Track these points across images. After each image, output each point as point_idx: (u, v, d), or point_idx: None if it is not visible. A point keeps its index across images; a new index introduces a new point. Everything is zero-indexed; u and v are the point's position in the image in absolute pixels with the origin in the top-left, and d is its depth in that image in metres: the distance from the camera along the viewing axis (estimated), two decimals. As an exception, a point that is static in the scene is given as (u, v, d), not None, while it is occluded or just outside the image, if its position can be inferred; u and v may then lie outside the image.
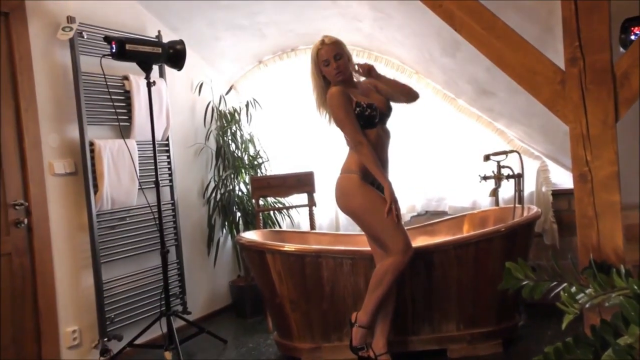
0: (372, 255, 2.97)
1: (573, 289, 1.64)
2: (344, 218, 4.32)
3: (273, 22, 4.06)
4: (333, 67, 2.74)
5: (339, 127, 2.79)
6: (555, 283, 1.74)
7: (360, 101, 2.74)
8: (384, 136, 2.82)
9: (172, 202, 3.90)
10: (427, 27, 3.46)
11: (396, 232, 2.70)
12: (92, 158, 3.33)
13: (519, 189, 3.61)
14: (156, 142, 3.28)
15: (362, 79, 2.87)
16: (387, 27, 3.83)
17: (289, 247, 3.18)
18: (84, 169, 3.30)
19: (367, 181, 2.77)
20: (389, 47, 4.14)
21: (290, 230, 4.06)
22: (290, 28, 4.17)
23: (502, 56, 2.13)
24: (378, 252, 2.88)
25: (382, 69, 4.24)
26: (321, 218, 4.39)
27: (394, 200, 2.70)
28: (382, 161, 2.79)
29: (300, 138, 4.52)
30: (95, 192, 3.33)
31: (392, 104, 2.90)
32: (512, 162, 3.65)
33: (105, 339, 3.34)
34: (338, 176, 2.85)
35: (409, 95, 2.85)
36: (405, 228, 2.89)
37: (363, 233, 2.95)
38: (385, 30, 3.90)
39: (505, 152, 3.60)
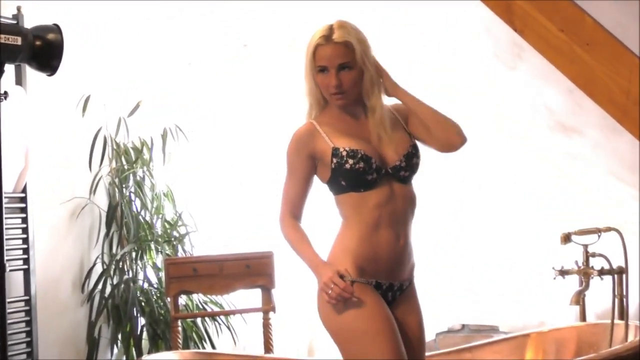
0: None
1: None
2: (325, 334, 4.24)
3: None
4: (332, 83, 2.73)
5: None
6: None
7: (338, 147, 2.74)
8: (395, 204, 2.77)
9: (26, 298, 3.81)
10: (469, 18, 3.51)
11: None
12: None
13: (620, 292, 3.58)
14: (4, 195, 3.21)
15: (387, 99, 2.86)
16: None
17: (226, 384, 3.11)
18: None
19: (368, 279, 2.73)
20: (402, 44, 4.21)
21: (230, 353, 3.95)
22: (242, 9, 4.21)
23: (592, 74, 2.14)
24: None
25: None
26: (285, 333, 4.31)
27: (326, 279, 2.64)
28: (393, 252, 2.74)
29: (253, 193, 4.48)
30: None
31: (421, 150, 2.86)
32: (608, 247, 3.63)
33: None
34: None
35: (446, 130, 2.83)
36: (429, 354, 2.81)
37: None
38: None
39: (597, 231, 3.57)
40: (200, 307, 4.38)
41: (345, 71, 2.73)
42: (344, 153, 2.72)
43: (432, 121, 2.78)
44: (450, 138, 2.80)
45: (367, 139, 2.80)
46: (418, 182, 2.81)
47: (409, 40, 4.22)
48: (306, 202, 2.85)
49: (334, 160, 2.73)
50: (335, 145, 2.74)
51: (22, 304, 3.80)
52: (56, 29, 3.35)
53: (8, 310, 3.24)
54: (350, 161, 2.71)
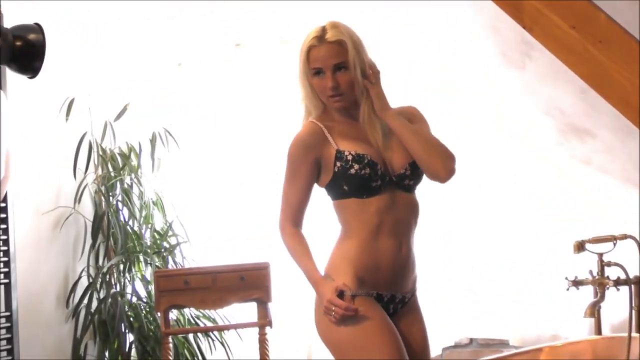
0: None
1: None
2: (324, 350, 4.24)
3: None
4: (328, 85, 2.73)
5: None
6: None
7: (342, 150, 2.73)
8: (397, 212, 2.78)
9: (7, 314, 3.75)
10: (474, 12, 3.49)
11: None
12: None
13: (637, 304, 3.53)
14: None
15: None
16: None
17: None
18: None
19: (368, 291, 2.74)
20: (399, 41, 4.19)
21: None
22: (242, 9, 4.25)
23: (605, 74, 2.13)
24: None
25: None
26: (282, 349, 4.31)
27: (326, 303, 2.67)
28: (395, 261, 2.75)
29: (249, 199, 4.48)
30: None
31: None
32: (624, 256, 3.61)
33: None
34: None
35: (433, 162, 2.78)
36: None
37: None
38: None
39: (613, 238, 3.55)
40: (193, 322, 4.36)
41: (341, 72, 2.74)
42: (349, 157, 2.72)
43: (418, 154, 2.78)
44: (435, 171, 2.79)
45: (370, 143, 2.80)
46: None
47: (409, 40, 4.24)
48: (307, 208, 2.84)
49: (338, 164, 2.73)
50: (340, 148, 2.74)
51: (3, 320, 3.73)
52: (37, 28, 3.31)
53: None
54: (356, 166, 2.71)
